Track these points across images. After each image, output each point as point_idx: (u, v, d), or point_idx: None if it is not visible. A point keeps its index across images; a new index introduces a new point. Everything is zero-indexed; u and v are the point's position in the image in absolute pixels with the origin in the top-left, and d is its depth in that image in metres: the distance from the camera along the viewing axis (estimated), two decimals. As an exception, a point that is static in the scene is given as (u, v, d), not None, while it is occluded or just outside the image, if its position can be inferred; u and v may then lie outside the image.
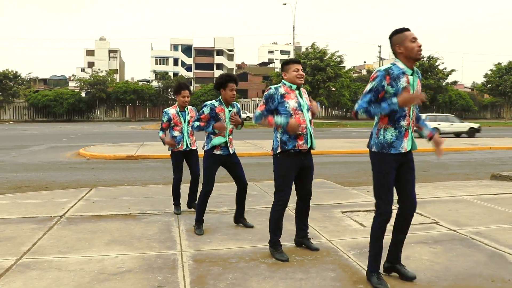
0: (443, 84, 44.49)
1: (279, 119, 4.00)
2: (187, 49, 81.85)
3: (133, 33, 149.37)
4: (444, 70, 43.10)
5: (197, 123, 5.00)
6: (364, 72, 66.45)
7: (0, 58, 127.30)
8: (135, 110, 55.53)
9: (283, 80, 4.23)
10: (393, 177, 3.48)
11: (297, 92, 4.14)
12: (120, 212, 6.05)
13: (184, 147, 5.97)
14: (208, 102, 4.98)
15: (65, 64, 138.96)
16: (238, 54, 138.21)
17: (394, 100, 3.29)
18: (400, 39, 3.38)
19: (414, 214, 3.73)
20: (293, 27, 37.94)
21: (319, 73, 36.14)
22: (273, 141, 4.21)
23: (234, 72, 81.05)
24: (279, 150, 4.09)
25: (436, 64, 42.36)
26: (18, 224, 5.44)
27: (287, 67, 4.19)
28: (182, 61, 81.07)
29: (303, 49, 39.39)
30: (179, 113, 6.00)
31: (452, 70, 44.26)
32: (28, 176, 10.52)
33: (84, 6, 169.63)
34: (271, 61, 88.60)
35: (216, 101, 4.96)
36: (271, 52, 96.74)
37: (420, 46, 3.34)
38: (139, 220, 5.60)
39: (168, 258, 4.14)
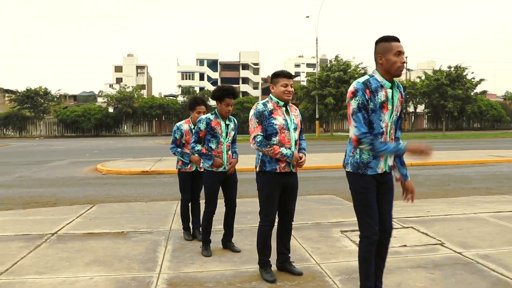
0: (472, 94, 43.23)
1: (285, 151, 3.77)
2: (212, 64, 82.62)
3: (160, 49, 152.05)
4: (472, 80, 41.91)
5: (198, 147, 4.67)
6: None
7: (33, 76, 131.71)
8: (161, 124, 56.15)
9: (270, 95, 3.98)
10: (374, 195, 3.21)
11: (283, 109, 3.90)
12: (113, 230, 5.90)
13: (193, 168, 5.43)
14: (203, 116, 4.71)
15: (95, 80, 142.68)
16: (263, 68, 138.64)
17: (403, 146, 3.03)
18: (384, 49, 3.07)
19: (412, 234, 3.40)
20: (316, 40, 37.75)
21: (343, 85, 35.65)
22: (256, 159, 3.99)
23: (260, 86, 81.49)
24: (258, 169, 3.90)
25: (464, 73, 41.23)
26: (8, 242, 5.36)
27: (275, 80, 3.92)
28: (208, 75, 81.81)
29: (334, 62, 39.02)
30: (193, 130, 5.36)
31: (481, 80, 42.96)
32: (40, 191, 10.57)
33: (113, 23, 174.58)
34: (297, 74, 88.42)
35: (212, 114, 4.71)
36: (297, 65, 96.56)
37: (403, 63, 3.05)
38: (129, 239, 5.43)
39: (142, 281, 3.94)
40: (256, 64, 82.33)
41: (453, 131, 51.10)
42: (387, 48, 3.05)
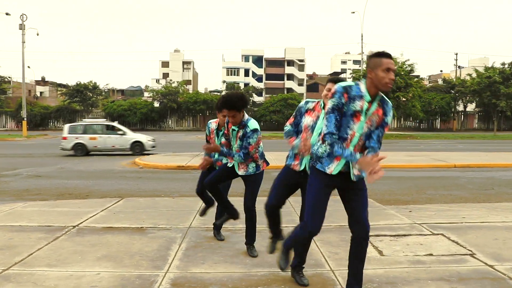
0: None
1: (296, 141, 3.80)
2: (258, 60, 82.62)
3: (206, 44, 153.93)
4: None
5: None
6: (440, 81, 62.97)
7: (83, 71, 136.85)
8: (205, 120, 56.78)
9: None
10: (324, 196, 3.29)
11: (322, 112, 3.75)
12: (132, 225, 5.89)
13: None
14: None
15: (142, 75, 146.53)
16: (309, 64, 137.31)
17: (358, 156, 3.05)
18: (374, 64, 3.14)
19: (441, 242, 3.17)
20: (361, 36, 36.87)
21: (388, 82, 34.55)
22: None
23: (305, 83, 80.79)
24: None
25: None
26: (30, 233, 5.44)
27: (326, 85, 3.81)
28: (253, 71, 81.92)
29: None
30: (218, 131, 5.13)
31: None
32: (76, 183, 10.84)
33: (161, 19, 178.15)
34: (343, 71, 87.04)
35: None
36: (343, 62, 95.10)
37: (391, 79, 3.10)
38: (145, 235, 5.39)
39: (147, 280, 3.86)
40: (302, 60, 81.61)
41: (505, 131, 48.61)
42: (377, 63, 3.12)
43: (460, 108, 54.40)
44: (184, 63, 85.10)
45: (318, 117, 3.73)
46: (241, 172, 4.54)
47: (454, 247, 4.86)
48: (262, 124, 55.82)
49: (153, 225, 5.89)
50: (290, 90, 75.58)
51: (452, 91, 52.56)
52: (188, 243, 5.04)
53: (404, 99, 37.98)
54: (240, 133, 4.43)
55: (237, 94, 4.38)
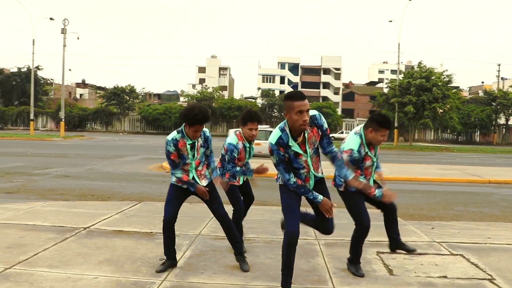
0: None
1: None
2: (293, 68, 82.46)
3: (243, 51, 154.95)
4: None
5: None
6: (480, 93, 60.80)
7: (123, 74, 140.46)
8: (239, 126, 57.05)
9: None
10: (296, 200, 3.61)
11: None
12: (142, 229, 5.86)
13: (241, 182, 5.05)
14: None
15: (179, 80, 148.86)
16: (345, 73, 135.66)
17: (313, 196, 3.60)
18: (287, 107, 3.37)
19: (459, 264, 3.05)
20: (398, 45, 35.98)
21: (425, 93, 33.69)
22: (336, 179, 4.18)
23: (341, 92, 79.90)
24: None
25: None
26: (41, 232, 5.50)
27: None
28: (288, 79, 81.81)
29: (416, 69, 37.15)
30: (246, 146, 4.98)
31: None
32: (100, 185, 10.99)
33: (199, 25, 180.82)
34: (380, 80, 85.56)
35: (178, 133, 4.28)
36: (381, 72, 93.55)
37: (305, 121, 3.31)
38: (152, 240, 5.34)
39: (142, 287, 3.78)
40: (338, 69, 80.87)
41: (551, 147, 46.39)
42: (290, 107, 3.34)
43: (502, 121, 52.36)
44: (220, 69, 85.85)
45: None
46: (201, 182, 4.37)
47: (472, 270, 4.55)
48: (295, 132, 55.61)
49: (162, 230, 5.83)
50: (325, 98, 74.96)
51: (494, 104, 50.70)
52: (193, 251, 4.95)
53: (441, 110, 36.90)
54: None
55: (204, 109, 4.14)
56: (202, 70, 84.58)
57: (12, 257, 4.48)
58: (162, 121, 53.47)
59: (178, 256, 4.68)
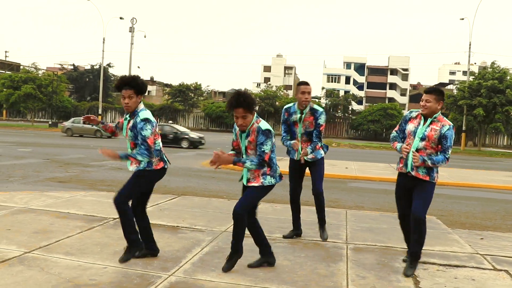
0: None
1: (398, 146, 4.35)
2: (360, 68, 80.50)
3: (308, 50, 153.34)
4: None
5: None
6: None
7: (189, 72, 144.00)
8: (300, 125, 56.62)
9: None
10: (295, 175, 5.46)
11: (422, 120, 4.22)
12: (169, 223, 5.83)
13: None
14: None
15: (245, 78, 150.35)
16: (413, 74, 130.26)
17: (288, 143, 5.30)
18: (297, 90, 5.16)
19: (500, 280, 2.58)
20: (469, 44, 33.73)
21: (496, 95, 31.39)
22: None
23: (408, 93, 76.89)
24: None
25: None
26: (71, 220, 5.63)
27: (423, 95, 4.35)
28: (354, 79, 79.99)
29: (489, 69, 34.81)
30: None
31: None
32: (149, 177, 11.18)
33: (265, 24, 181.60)
34: (451, 82, 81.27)
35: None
36: (452, 73, 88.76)
37: (306, 99, 5.03)
38: (175, 234, 5.28)
39: (147, 280, 3.71)
40: (406, 69, 77.92)
41: None
42: (298, 89, 5.12)
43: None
44: (286, 68, 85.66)
45: (419, 124, 4.17)
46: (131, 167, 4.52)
47: None
48: (359, 133, 54.23)
49: (189, 225, 5.78)
50: (391, 99, 72.51)
51: None
52: (212, 247, 4.82)
53: (515, 113, 34.31)
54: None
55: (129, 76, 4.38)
56: (267, 69, 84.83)
57: (35, 242, 4.59)
58: (225, 119, 54.20)
59: (194, 252, 4.58)
